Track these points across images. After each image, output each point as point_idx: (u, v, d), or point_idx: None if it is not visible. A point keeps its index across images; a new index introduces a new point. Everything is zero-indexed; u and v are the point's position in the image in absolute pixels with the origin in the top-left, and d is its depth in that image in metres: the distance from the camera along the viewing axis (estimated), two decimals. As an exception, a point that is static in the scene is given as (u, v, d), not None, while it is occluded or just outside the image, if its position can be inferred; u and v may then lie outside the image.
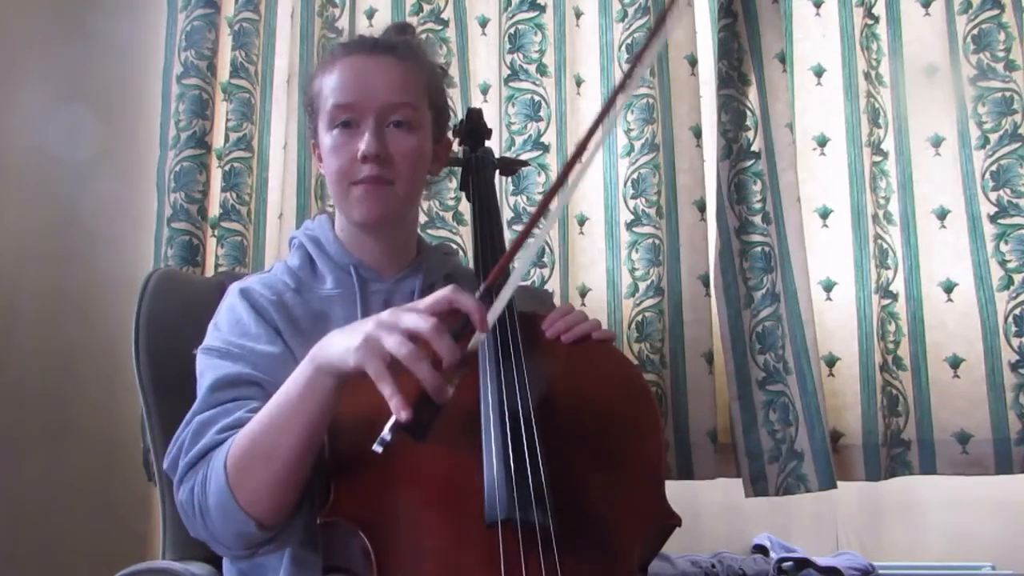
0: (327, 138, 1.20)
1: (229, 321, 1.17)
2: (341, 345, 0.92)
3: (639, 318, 1.82)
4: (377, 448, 0.84)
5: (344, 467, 1.00)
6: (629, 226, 1.85)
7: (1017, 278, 1.77)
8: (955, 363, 1.79)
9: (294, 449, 0.97)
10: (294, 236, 1.30)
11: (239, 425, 1.04)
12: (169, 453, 1.08)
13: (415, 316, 0.88)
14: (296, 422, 0.97)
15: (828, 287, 1.88)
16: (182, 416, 1.10)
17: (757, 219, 1.83)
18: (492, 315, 0.91)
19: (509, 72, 1.92)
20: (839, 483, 1.74)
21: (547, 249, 1.86)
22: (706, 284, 1.84)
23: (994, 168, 1.80)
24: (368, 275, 1.24)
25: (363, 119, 1.18)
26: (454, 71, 1.88)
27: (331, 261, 1.24)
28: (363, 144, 1.16)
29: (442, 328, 0.87)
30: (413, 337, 0.87)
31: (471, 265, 1.42)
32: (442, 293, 0.91)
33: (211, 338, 1.17)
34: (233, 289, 1.22)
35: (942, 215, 1.84)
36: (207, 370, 1.13)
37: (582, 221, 1.92)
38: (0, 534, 1.71)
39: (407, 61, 1.23)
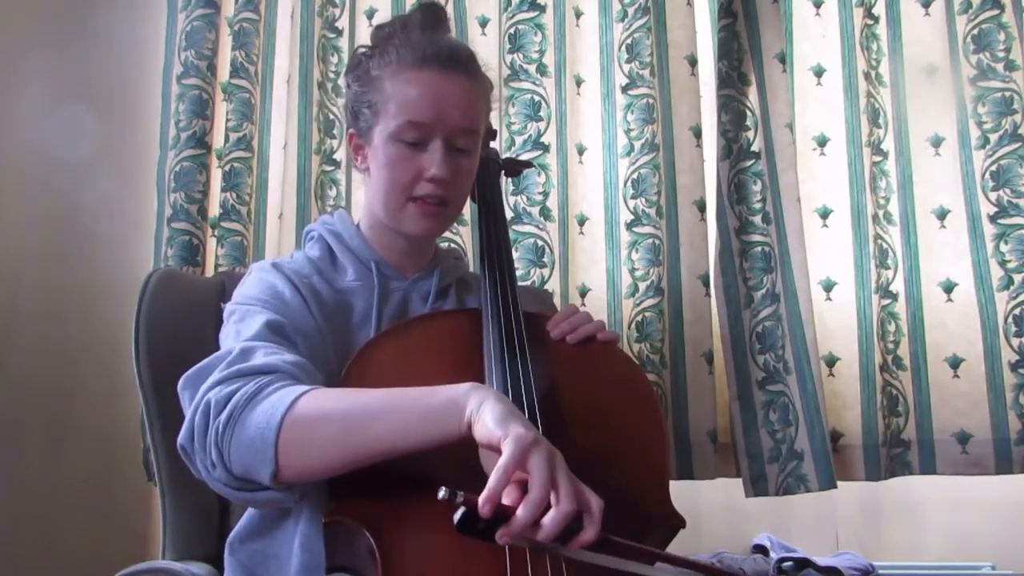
0: (389, 147, 1.19)
1: (261, 288, 1.16)
2: (504, 415, 0.88)
3: (639, 318, 1.82)
4: (442, 494, 0.80)
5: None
6: (629, 226, 1.85)
7: (1017, 278, 1.77)
8: (955, 363, 1.79)
9: (369, 452, 0.94)
10: (311, 229, 1.31)
11: (304, 365, 1.02)
12: (195, 373, 1.03)
13: (572, 494, 0.84)
14: (397, 432, 0.93)
15: (828, 287, 1.88)
16: (182, 416, 1.04)
17: (757, 219, 1.83)
18: (589, 557, 0.86)
19: (509, 72, 1.92)
20: (839, 483, 1.74)
21: (547, 249, 1.87)
22: (706, 284, 1.84)
23: (994, 168, 1.80)
24: (389, 273, 1.26)
25: (431, 139, 1.18)
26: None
27: (352, 255, 1.26)
28: (435, 168, 1.17)
29: (570, 518, 0.83)
30: (553, 488, 0.83)
31: (473, 266, 1.43)
32: (597, 503, 0.85)
33: (244, 296, 1.15)
34: (262, 265, 1.22)
35: (942, 215, 1.84)
36: (250, 316, 1.10)
37: (582, 221, 1.92)
38: (0, 534, 1.71)
39: (475, 81, 1.23)
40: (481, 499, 0.80)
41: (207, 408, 0.97)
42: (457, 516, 0.80)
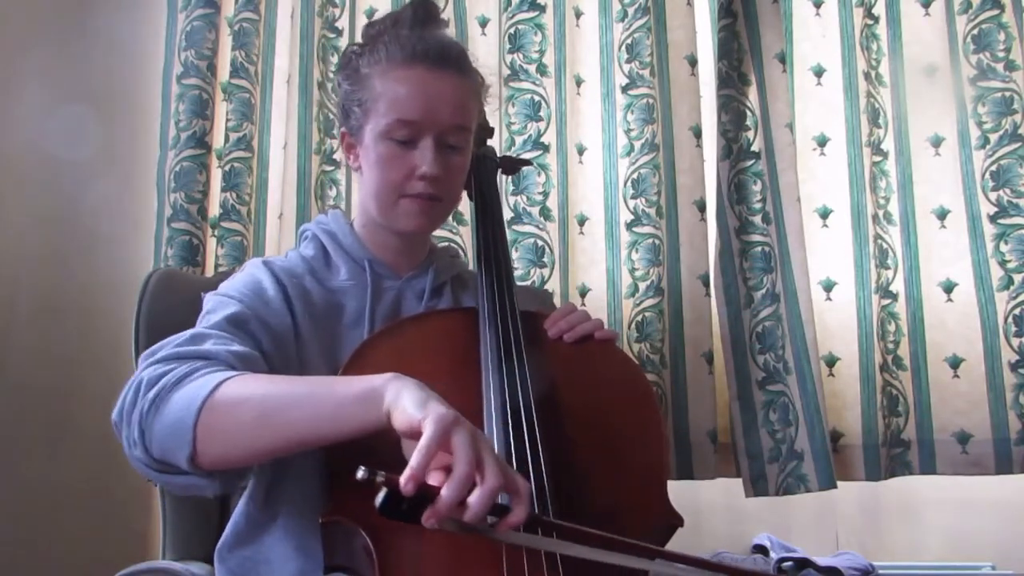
0: (380, 146, 1.19)
1: (247, 283, 1.17)
2: (423, 399, 0.87)
3: (639, 318, 1.82)
4: (361, 474, 0.77)
5: (346, 467, 1.00)
6: (629, 226, 1.85)
7: (1017, 278, 1.77)
8: (955, 363, 1.79)
9: (287, 439, 0.93)
10: (306, 228, 1.31)
11: (249, 357, 1.02)
12: (151, 350, 1.02)
13: (498, 471, 0.82)
14: (314, 420, 0.92)
15: (828, 287, 1.88)
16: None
17: (757, 219, 1.83)
18: (525, 540, 0.85)
19: (509, 72, 1.92)
20: (839, 483, 1.74)
21: (547, 249, 1.87)
22: (706, 284, 1.84)
23: (994, 168, 1.80)
24: (382, 271, 1.26)
25: (422, 137, 1.18)
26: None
27: (346, 254, 1.26)
28: (426, 165, 1.17)
29: (496, 496, 0.81)
30: (478, 467, 0.81)
31: (472, 264, 1.42)
32: (525, 484, 0.85)
33: (226, 288, 1.17)
34: (254, 261, 1.23)
35: (942, 215, 1.84)
36: (220, 307, 1.11)
37: (582, 221, 1.92)
38: (0, 534, 1.71)
39: (466, 78, 1.23)
40: (403, 477, 0.77)
41: (139, 385, 0.96)
42: (379, 498, 0.77)
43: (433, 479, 0.81)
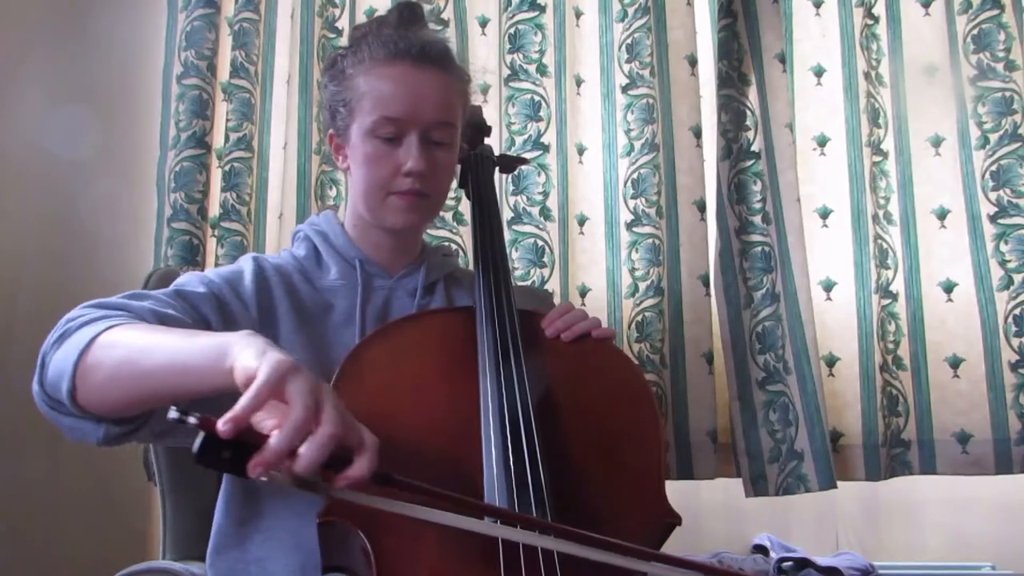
0: (366, 144, 1.20)
1: (227, 270, 1.20)
2: (262, 350, 0.83)
3: (639, 318, 1.82)
4: (173, 413, 0.72)
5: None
6: (629, 226, 1.85)
7: (1017, 278, 1.77)
8: (955, 363, 1.79)
9: (143, 386, 0.92)
10: (299, 229, 1.32)
11: (172, 320, 1.02)
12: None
13: (336, 419, 0.77)
14: (167, 369, 0.90)
15: (828, 287, 1.88)
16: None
17: (757, 219, 1.83)
18: (356, 496, 0.79)
19: (509, 72, 1.92)
20: (839, 483, 1.74)
21: (547, 249, 1.87)
22: (706, 284, 1.84)
23: (994, 168, 1.80)
24: (373, 271, 1.27)
25: (406, 133, 1.19)
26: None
27: (337, 254, 1.27)
28: (412, 161, 1.18)
29: (331, 444, 0.76)
30: (315, 416, 0.77)
31: (471, 264, 1.42)
32: (371, 438, 0.81)
33: (206, 271, 1.21)
34: (246, 255, 1.25)
35: (942, 215, 1.84)
36: (183, 283, 1.14)
37: (582, 221, 1.92)
38: (0, 534, 1.71)
39: (450, 75, 1.23)
40: (222, 420, 0.72)
41: (58, 324, 0.99)
42: (196, 443, 0.71)
43: (268, 428, 0.76)
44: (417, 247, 1.33)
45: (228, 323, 1.13)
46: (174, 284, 1.15)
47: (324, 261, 1.27)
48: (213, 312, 1.12)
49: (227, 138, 1.86)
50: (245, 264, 1.22)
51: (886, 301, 1.82)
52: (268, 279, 1.21)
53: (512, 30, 1.93)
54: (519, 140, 1.89)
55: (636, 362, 1.77)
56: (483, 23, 1.98)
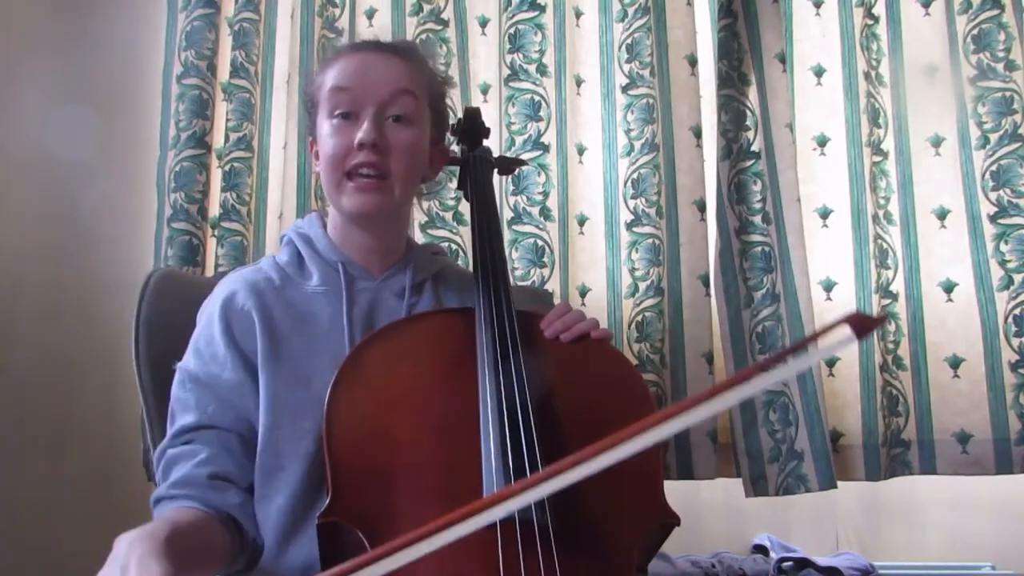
0: (325, 126, 1.19)
1: (205, 338, 1.18)
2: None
3: (639, 318, 1.82)
4: None
5: (343, 468, 1.00)
6: (629, 226, 1.85)
7: (1017, 278, 1.77)
8: (955, 363, 1.79)
9: None
10: (285, 233, 1.30)
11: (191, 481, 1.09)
12: (155, 461, 1.15)
13: None
14: None
15: (828, 287, 1.88)
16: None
17: (757, 219, 1.83)
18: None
19: (509, 72, 1.92)
20: (839, 483, 1.74)
21: (547, 249, 1.87)
22: (706, 284, 1.84)
23: (994, 168, 1.80)
24: (356, 273, 1.23)
25: (363, 110, 1.17)
26: (454, 71, 1.88)
27: (320, 258, 1.24)
28: (361, 132, 1.15)
29: None
30: None
31: (471, 265, 1.42)
32: None
33: (188, 358, 1.18)
34: (219, 294, 1.21)
35: (942, 215, 1.84)
36: (177, 404, 1.16)
37: (582, 221, 1.92)
38: (0, 534, 1.71)
39: (410, 62, 1.23)
40: None
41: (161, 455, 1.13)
42: None
43: None
44: (402, 246, 1.29)
45: (218, 395, 1.15)
46: (173, 403, 1.17)
47: (307, 267, 1.24)
48: (217, 399, 1.14)
49: (227, 138, 1.87)
50: (214, 314, 1.18)
51: (886, 301, 1.82)
52: (240, 322, 1.17)
53: (512, 30, 1.93)
54: (519, 140, 1.89)
55: (636, 363, 1.77)
56: (483, 23, 1.98)
